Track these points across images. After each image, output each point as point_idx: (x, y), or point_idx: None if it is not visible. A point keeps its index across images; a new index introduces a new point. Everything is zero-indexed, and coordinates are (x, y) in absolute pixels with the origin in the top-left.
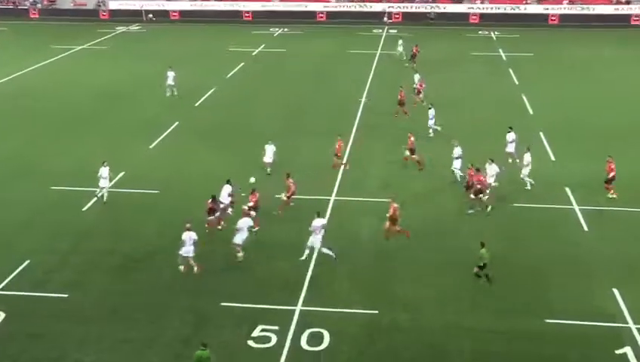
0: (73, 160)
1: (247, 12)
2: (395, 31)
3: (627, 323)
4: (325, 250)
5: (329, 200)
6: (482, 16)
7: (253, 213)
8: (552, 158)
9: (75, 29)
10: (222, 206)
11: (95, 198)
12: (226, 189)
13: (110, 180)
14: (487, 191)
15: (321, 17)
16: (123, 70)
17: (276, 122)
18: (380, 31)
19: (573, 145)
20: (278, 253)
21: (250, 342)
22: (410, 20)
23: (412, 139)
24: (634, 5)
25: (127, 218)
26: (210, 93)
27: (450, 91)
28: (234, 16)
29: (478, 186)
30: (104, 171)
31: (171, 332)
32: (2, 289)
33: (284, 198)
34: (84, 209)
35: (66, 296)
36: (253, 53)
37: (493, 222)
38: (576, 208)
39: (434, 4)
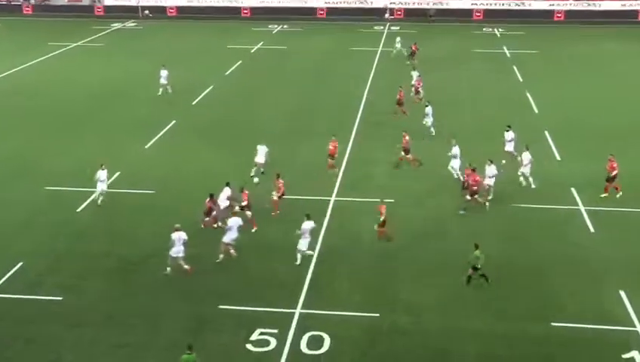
0: (67, 160)
1: (246, 8)
2: (398, 27)
3: (635, 326)
4: (309, 252)
5: (329, 200)
6: (486, 12)
7: (249, 212)
8: (558, 158)
9: (70, 25)
10: (221, 208)
11: (95, 201)
12: (226, 192)
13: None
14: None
15: (321, 14)
16: (119, 68)
17: (276, 121)
18: (382, 28)
19: (580, 145)
20: (276, 254)
21: (249, 346)
22: (412, 17)
23: (407, 138)
24: None
25: (123, 219)
26: (207, 91)
27: (453, 89)
28: (232, 13)
29: (474, 188)
30: (102, 174)
31: (168, 336)
32: None
33: (275, 198)
34: (78, 210)
35: (60, 298)
36: (252, 51)
37: (497, 222)
38: (582, 209)
39: (436, 0)
